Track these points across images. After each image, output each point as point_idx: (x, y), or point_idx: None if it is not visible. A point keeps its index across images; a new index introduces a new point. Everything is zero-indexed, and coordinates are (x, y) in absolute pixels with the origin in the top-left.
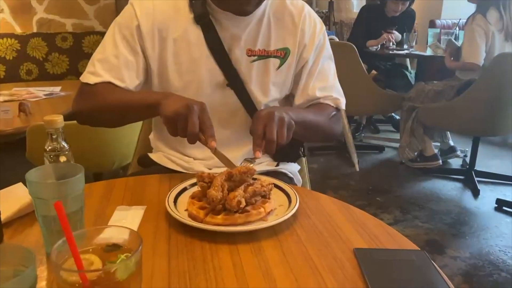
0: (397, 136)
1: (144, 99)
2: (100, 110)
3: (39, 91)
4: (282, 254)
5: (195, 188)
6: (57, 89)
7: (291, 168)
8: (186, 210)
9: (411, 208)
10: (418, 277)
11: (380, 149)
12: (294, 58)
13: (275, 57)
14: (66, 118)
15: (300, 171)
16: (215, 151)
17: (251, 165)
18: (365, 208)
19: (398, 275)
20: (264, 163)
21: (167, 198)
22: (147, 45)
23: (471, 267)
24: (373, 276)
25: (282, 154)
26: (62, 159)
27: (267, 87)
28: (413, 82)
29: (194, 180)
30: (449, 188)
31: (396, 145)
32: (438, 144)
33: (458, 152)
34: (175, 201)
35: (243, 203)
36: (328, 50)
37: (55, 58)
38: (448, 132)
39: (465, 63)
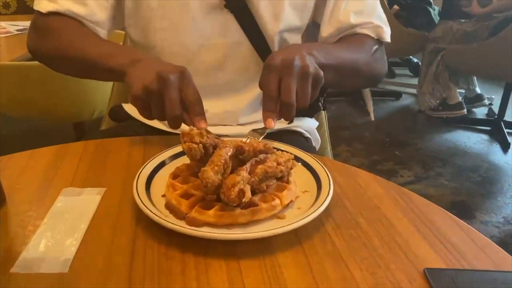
0: (414, 81)
1: (105, 59)
2: (56, 55)
3: (11, 26)
4: (310, 276)
5: (181, 161)
6: None
7: (308, 125)
8: (164, 196)
9: (434, 164)
10: None
11: (397, 95)
12: None
13: None
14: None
15: (318, 128)
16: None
17: (261, 138)
18: (383, 164)
19: None
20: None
21: (136, 179)
22: None
23: (505, 233)
24: None
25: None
26: None
27: (281, 8)
28: (436, 21)
29: (179, 149)
30: (474, 140)
31: (414, 91)
32: (463, 91)
33: (485, 101)
34: (150, 181)
35: (248, 194)
36: None
37: None
38: (475, 78)
39: (499, 3)
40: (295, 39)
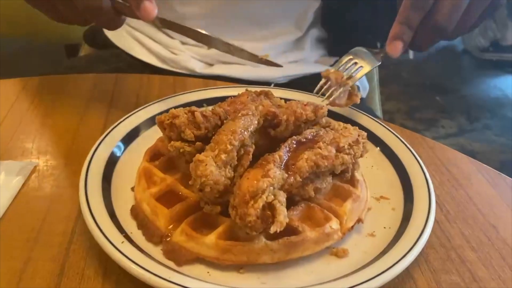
0: None
1: None
2: None
3: None
4: None
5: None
6: None
7: None
8: (133, 190)
9: (480, 114)
10: None
11: None
12: None
13: None
14: None
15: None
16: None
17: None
18: (421, 111)
19: None
20: (311, 61)
21: (87, 160)
22: None
23: None
24: None
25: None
26: None
27: None
28: None
29: (179, 99)
30: None
31: None
32: None
33: None
34: (113, 162)
35: (281, 218)
36: None
37: None
38: None
39: None
40: None
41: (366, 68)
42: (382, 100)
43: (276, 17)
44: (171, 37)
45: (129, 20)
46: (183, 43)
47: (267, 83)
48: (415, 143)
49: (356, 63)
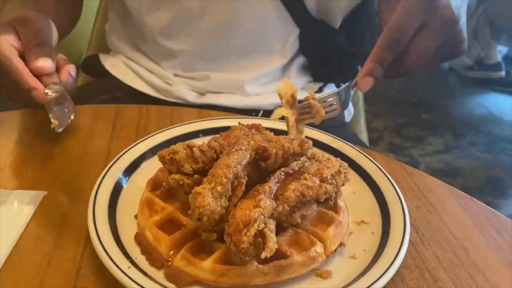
0: None
1: None
2: None
3: None
4: None
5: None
6: None
7: None
8: (137, 218)
9: (466, 131)
10: None
11: None
12: None
13: None
14: None
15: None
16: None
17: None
18: (409, 129)
19: None
20: (299, 87)
21: (96, 187)
22: None
23: None
24: None
25: (333, 70)
26: None
27: None
28: None
29: (177, 131)
30: None
31: None
32: (504, 50)
33: None
34: (118, 190)
35: (271, 245)
36: None
37: None
38: None
39: None
40: None
41: (338, 111)
42: (371, 118)
43: (261, 48)
44: (164, 69)
45: (125, 51)
46: (175, 74)
47: (256, 111)
48: (394, 170)
49: (332, 104)
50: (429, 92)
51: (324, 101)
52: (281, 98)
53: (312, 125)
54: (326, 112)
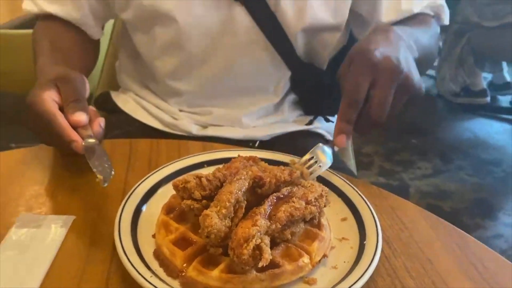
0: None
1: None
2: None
3: None
4: None
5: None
6: None
7: (328, 125)
8: (154, 237)
9: (454, 155)
10: None
11: None
12: None
13: None
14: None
15: None
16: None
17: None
18: (399, 153)
19: None
20: (290, 121)
21: (119, 212)
22: None
23: None
24: None
25: (322, 105)
26: None
27: (305, 1)
28: None
29: (185, 163)
30: (497, 130)
31: (432, 72)
32: (489, 76)
33: None
34: (137, 214)
35: (267, 256)
36: None
37: None
38: (505, 62)
39: None
40: (324, 39)
41: (324, 167)
42: (362, 144)
43: (256, 88)
44: (171, 105)
45: (135, 89)
46: (181, 110)
47: (253, 141)
48: (372, 195)
49: (316, 162)
50: (418, 118)
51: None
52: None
53: None
54: (312, 173)
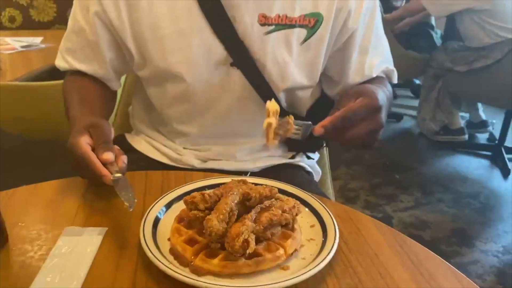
0: (416, 103)
1: (70, 125)
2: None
3: (16, 42)
4: None
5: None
6: (37, 40)
7: (308, 161)
8: (169, 240)
9: (434, 189)
10: None
11: (398, 117)
12: (328, 29)
13: (300, 26)
14: (44, 75)
15: (319, 160)
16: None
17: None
18: (382, 188)
19: None
20: (276, 156)
21: (143, 223)
22: (110, 14)
23: (505, 263)
24: None
25: (303, 144)
26: None
27: (286, 69)
28: (438, 44)
29: (190, 187)
30: (475, 166)
31: (415, 113)
32: (467, 115)
33: (490, 128)
34: (156, 223)
35: (252, 246)
36: (379, 11)
37: (40, 4)
38: (479, 103)
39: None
40: (302, 95)
41: (299, 136)
42: (348, 179)
43: (248, 132)
44: (176, 144)
45: (146, 132)
46: (184, 148)
47: (245, 172)
48: (338, 210)
49: (299, 130)
50: (401, 155)
51: (296, 125)
52: (268, 111)
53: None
54: (294, 133)
